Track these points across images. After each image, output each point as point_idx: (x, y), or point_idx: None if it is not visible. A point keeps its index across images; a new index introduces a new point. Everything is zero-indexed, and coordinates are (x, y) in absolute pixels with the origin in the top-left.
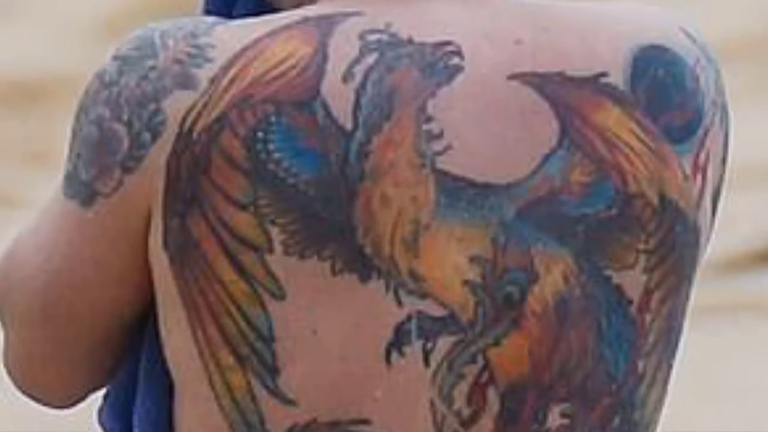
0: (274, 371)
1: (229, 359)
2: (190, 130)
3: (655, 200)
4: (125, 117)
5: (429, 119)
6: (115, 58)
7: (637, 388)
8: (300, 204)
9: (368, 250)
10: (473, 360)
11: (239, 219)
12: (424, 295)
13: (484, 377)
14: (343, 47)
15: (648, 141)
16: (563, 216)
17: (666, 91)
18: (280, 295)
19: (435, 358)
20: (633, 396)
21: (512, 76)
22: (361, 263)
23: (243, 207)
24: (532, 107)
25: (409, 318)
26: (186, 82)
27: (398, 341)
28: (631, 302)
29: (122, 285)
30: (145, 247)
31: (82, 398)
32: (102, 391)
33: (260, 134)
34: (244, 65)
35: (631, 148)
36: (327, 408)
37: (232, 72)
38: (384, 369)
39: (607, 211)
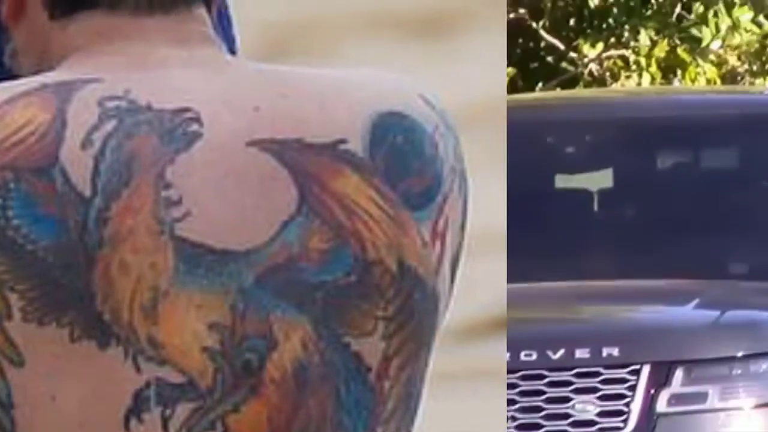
0: None
1: None
2: None
3: (394, 267)
4: None
5: (168, 186)
6: None
7: None
8: (39, 271)
9: (107, 317)
10: (212, 427)
11: None
12: (163, 362)
13: None
14: (82, 114)
15: (387, 208)
16: (302, 283)
17: (405, 157)
18: (18, 362)
19: (174, 425)
20: None
21: (251, 143)
22: (99, 330)
23: None
24: (271, 174)
25: (147, 385)
26: None
27: (137, 408)
28: (370, 369)
29: None
30: None
31: None
32: None
33: None
34: None
35: (370, 215)
36: None
37: None
38: None
39: (346, 278)
